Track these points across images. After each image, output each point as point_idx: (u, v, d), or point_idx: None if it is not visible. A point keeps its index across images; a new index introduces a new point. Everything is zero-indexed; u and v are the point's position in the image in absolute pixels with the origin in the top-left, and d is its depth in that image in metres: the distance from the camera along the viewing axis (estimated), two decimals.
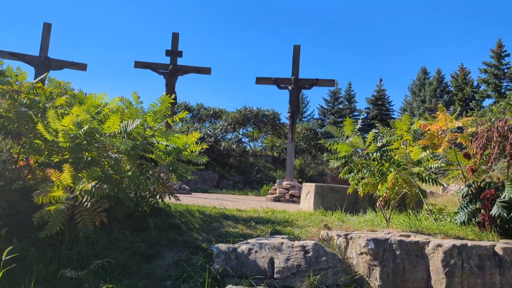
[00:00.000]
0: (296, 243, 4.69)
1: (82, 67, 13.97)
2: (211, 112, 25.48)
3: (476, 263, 4.07)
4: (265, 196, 14.53)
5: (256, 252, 4.63)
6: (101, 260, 4.84)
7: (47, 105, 6.22)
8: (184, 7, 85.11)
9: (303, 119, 45.35)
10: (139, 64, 14.63)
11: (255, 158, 23.75)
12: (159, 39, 79.28)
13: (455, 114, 6.36)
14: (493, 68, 30.96)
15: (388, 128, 6.71)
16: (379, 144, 5.35)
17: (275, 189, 13.93)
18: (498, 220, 5.19)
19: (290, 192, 13.32)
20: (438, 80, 39.87)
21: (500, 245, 4.23)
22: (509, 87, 29.50)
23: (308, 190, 8.23)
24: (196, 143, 6.68)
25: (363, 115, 45.94)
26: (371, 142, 5.33)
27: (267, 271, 4.45)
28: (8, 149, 5.48)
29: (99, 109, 6.32)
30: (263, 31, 79.30)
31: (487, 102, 32.24)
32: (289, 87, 14.11)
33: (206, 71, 14.82)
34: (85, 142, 5.58)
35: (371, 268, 4.34)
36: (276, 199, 13.06)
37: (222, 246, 4.84)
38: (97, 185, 4.91)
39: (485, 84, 31.43)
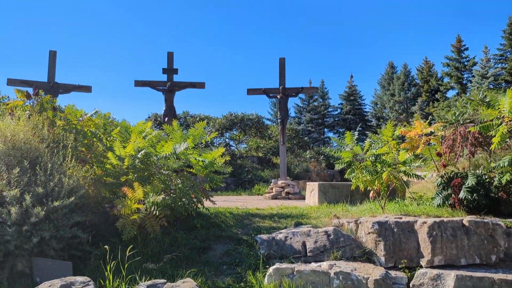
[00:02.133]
0: (320, 229, 6.28)
1: (87, 89, 15.14)
2: (198, 119, 26.80)
3: (451, 232, 5.76)
4: (262, 195, 16.09)
5: (291, 238, 6.19)
6: (170, 254, 6.28)
7: (101, 135, 7.62)
8: (176, 27, 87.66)
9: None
10: (139, 83, 15.91)
11: (242, 160, 25.23)
12: (154, 59, 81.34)
13: (428, 121, 8.09)
14: (455, 62, 33.59)
15: (376, 135, 8.35)
16: (374, 151, 7.00)
17: (272, 188, 15.50)
18: (464, 202, 6.92)
19: (285, 190, 14.93)
20: (405, 74, 42.38)
21: (466, 219, 5.94)
22: (470, 79, 32.06)
23: (312, 188, 9.87)
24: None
25: (337, 110, 48.27)
26: (368, 149, 6.98)
27: (301, 251, 6.02)
28: (91, 174, 6.80)
29: (143, 135, 7.74)
30: (247, 46, 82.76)
31: (451, 93, 34.93)
32: (278, 96, 15.74)
33: (201, 85, 16.24)
34: (142, 164, 7.00)
35: (377, 243, 5.97)
36: (274, 197, 14.64)
37: (264, 236, 6.38)
38: (163, 197, 6.36)
39: (448, 76, 34.01)
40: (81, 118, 7.67)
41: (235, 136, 26.77)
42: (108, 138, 7.72)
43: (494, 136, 6.17)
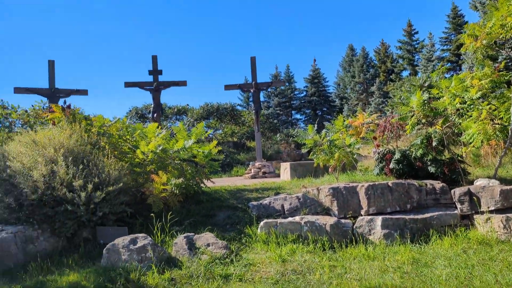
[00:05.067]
0: (293, 195, 8.98)
1: (84, 92, 17.16)
2: (175, 110, 29.02)
3: (380, 191, 8.56)
4: (242, 175, 18.72)
5: (273, 202, 8.87)
6: (188, 220, 8.83)
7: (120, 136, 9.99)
8: (160, 30, 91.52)
9: (250, 103, 49.66)
10: (128, 84, 18.04)
11: (220, 145, 27.69)
12: (140, 61, 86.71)
13: (369, 112, 10.87)
14: (406, 45, 36.90)
15: (330, 124, 11.05)
16: (328, 138, 9.72)
17: (250, 169, 18.15)
18: (394, 170, 9.78)
19: (262, 170, 17.62)
20: (363, 57, 45.54)
21: (390, 182, 8.77)
22: (420, 60, 35.48)
23: (286, 167, 12.58)
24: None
25: (303, 93, 51.12)
26: (324, 137, 9.70)
27: (281, 211, 8.72)
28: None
29: (156, 134, 10.15)
30: (219, 45, 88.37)
31: (405, 73, 38.34)
32: (251, 90, 18.27)
33: (183, 83, 18.53)
34: (159, 157, 9.45)
35: (332, 202, 8.71)
36: (253, 177, 17.29)
37: (254, 203, 9.04)
38: (181, 180, 8.88)
39: (401, 58, 37.38)
40: (107, 124, 9.99)
41: (211, 124, 29.15)
42: (130, 139, 10.07)
43: (408, 124, 9.00)
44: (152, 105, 18.24)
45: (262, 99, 50.10)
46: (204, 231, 8.24)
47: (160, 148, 9.32)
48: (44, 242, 7.91)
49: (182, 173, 9.54)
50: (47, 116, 10.09)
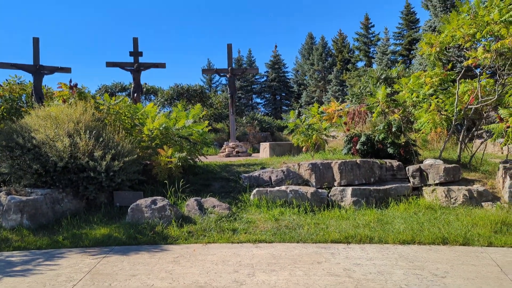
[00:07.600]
0: (278, 169, 10.69)
1: (67, 70, 17.79)
2: (144, 89, 29.72)
3: (350, 167, 10.44)
4: (217, 155, 20.20)
5: (262, 175, 10.54)
6: (189, 189, 10.30)
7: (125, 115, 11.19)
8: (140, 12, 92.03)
9: (212, 85, 50.72)
10: (110, 64, 18.83)
11: None
12: (120, 43, 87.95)
13: (339, 101, 12.70)
14: (363, 37, 39.39)
15: (306, 110, 12.79)
16: (307, 122, 11.47)
17: (225, 149, 19.66)
18: (359, 151, 11.72)
19: (236, 150, 19.18)
20: (322, 46, 47.77)
21: (358, 160, 10.67)
22: (375, 52, 38.13)
23: (265, 146, 14.26)
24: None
25: (263, 78, 52.82)
26: (304, 121, 11.45)
27: (269, 181, 10.41)
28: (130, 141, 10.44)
29: (155, 114, 11.44)
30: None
31: (360, 64, 40.99)
32: (227, 75, 19.65)
33: (162, 65, 19.55)
34: (162, 134, 10.79)
35: (310, 175, 10.50)
36: (227, 156, 18.82)
37: (246, 175, 10.66)
38: (184, 154, 10.31)
39: (358, 50, 39.86)
40: (113, 103, 11.15)
41: (179, 105, 30.16)
42: (135, 116, 11.29)
43: (374, 112, 10.92)
44: (133, 85, 19.15)
45: (224, 82, 51.36)
46: (204, 197, 9.77)
47: (163, 126, 10.66)
48: (68, 204, 9.14)
49: (181, 148, 10.95)
50: (55, 94, 11.06)
